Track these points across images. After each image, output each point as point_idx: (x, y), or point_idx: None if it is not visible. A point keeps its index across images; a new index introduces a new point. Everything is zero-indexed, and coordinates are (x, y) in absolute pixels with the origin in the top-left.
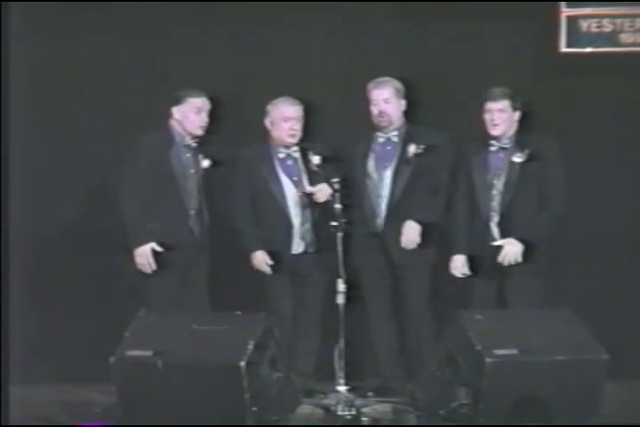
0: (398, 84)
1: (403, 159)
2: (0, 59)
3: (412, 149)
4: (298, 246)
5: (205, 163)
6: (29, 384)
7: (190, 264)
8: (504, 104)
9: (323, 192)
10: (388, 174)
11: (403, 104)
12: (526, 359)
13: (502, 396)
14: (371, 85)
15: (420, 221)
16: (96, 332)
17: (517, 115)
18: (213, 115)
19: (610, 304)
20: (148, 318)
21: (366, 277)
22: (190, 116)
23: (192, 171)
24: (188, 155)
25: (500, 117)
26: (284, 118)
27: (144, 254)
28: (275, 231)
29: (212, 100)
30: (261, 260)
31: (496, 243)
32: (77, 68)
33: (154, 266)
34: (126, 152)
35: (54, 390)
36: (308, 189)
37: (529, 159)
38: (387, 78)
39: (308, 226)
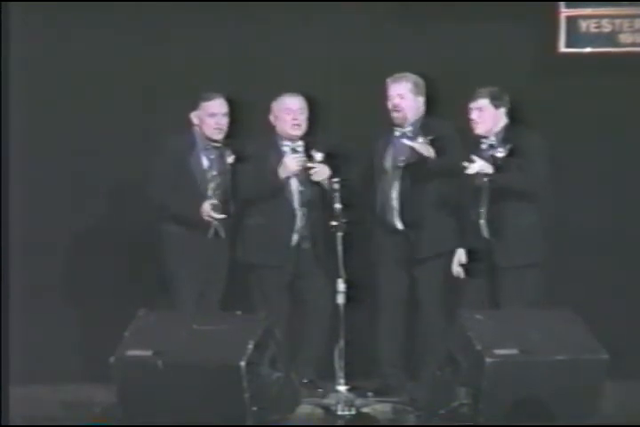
0: (417, 80)
1: (411, 152)
2: (0, 59)
3: (419, 141)
4: (293, 239)
5: (230, 159)
6: (29, 384)
7: (214, 265)
8: (482, 103)
9: (321, 171)
10: (399, 169)
11: (420, 101)
12: (526, 359)
13: (502, 396)
14: (389, 80)
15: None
16: (96, 332)
17: (502, 111)
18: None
19: (610, 304)
20: (148, 318)
21: (381, 274)
22: (206, 120)
23: (214, 173)
24: (213, 156)
25: (480, 116)
26: (286, 110)
27: (205, 210)
28: (276, 221)
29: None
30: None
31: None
32: (77, 67)
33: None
34: (129, 151)
35: (54, 390)
36: (309, 164)
37: (510, 155)
38: (406, 74)
39: (305, 220)
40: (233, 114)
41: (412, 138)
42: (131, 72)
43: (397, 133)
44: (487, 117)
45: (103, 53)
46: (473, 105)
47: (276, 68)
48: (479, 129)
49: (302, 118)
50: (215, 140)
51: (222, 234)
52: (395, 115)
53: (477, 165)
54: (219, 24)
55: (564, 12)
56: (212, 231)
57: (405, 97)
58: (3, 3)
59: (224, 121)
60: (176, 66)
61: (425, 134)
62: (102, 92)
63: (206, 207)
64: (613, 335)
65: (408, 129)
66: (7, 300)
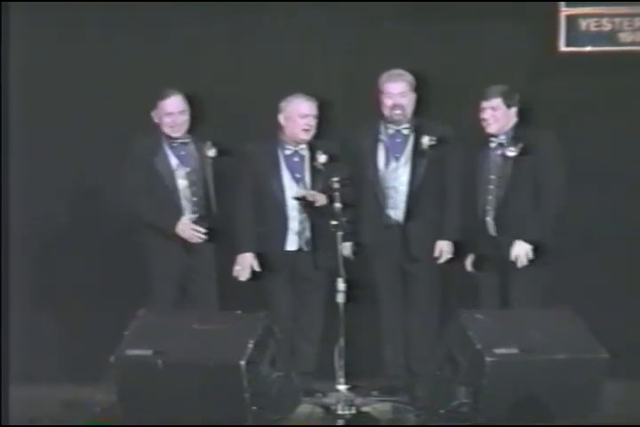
0: (412, 78)
1: (417, 151)
2: (0, 59)
3: (425, 140)
4: (292, 244)
5: (211, 152)
6: (29, 384)
7: (195, 262)
8: (496, 102)
9: (318, 198)
10: (402, 167)
11: (414, 98)
12: (526, 359)
13: (502, 395)
14: (384, 77)
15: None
16: (96, 332)
17: (513, 111)
18: (209, 113)
19: (610, 304)
20: (148, 318)
21: (379, 271)
22: (163, 118)
23: (188, 170)
24: (183, 153)
25: (493, 115)
26: (301, 115)
27: (187, 227)
28: (271, 226)
29: (197, 97)
30: (248, 262)
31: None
32: (77, 67)
33: (203, 230)
34: (127, 151)
35: (54, 390)
36: (302, 193)
37: (522, 153)
38: (401, 71)
39: (305, 224)
40: (231, 113)
41: (410, 136)
42: (131, 72)
43: (391, 131)
44: (500, 117)
45: (103, 53)
46: (486, 104)
47: (275, 70)
48: (491, 128)
49: (314, 124)
50: (176, 138)
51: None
52: (396, 112)
53: (523, 255)
54: (218, 24)
55: (564, 10)
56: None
57: (406, 95)
58: (3, 3)
59: (180, 119)
60: (176, 66)
61: (428, 134)
62: (102, 91)
63: (186, 223)
64: (613, 335)
65: (404, 126)
66: (7, 300)
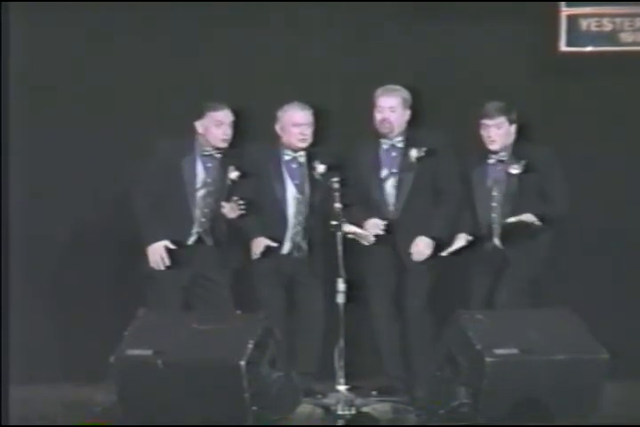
0: (406, 95)
1: (405, 165)
2: (0, 59)
3: (413, 153)
4: (285, 248)
5: (233, 174)
6: (29, 384)
7: (199, 267)
8: (500, 120)
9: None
10: (392, 181)
11: (407, 114)
12: (526, 359)
13: (502, 396)
14: (379, 92)
15: (432, 237)
16: (96, 332)
17: (514, 127)
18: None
19: (610, 304)
20: (148, 318)
21: (370, 277)
22: (212, 129)
23: (209, 180)
24: (210, 164)
25: (497, 133)
26: (295, 124)
27: (157, 251)
28: (271, 229)
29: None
30: (262, 244)
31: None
32: (77, 67)
33: (167, 262)
34: (127, 152)
35: (54, 390)
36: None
37: (526, 171)
38: (396, 87)
39: (298, 229)
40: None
41: (404, 149)
42: (131, 72)
43: (385, 146)
44: (504, 134)
45: (103, 53)
46: (489, 122)
47: (275, 74)
48: (495, 146)
49: (309, 132)
50: (219, 149)
51: (209, 242)
52: (383, 125)
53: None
54: (218, 25)
55: (565, 10)
56: (193, 239)
57: (396, 110)
58: (3, 3)
59: (230, 131)
60: (176, 67)
61: (418, 146)
62: (103, 92)
63: (159, 247)
64: (613, 335)
65: (397, 139)
66: (7, 300)
